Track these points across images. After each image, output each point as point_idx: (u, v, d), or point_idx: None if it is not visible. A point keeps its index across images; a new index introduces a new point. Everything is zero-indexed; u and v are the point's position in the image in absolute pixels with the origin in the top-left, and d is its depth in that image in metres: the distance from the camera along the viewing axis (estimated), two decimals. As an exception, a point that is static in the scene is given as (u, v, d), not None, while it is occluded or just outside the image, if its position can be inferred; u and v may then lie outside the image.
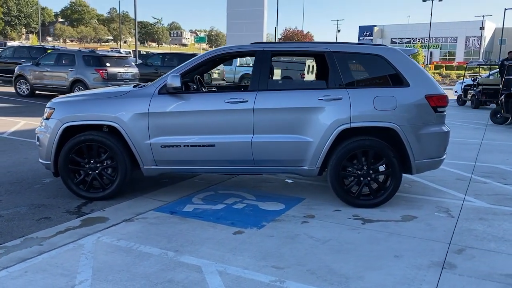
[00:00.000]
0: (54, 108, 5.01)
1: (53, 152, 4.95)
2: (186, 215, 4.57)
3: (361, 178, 4.89)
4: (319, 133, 4.79)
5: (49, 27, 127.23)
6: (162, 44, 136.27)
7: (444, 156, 5.09)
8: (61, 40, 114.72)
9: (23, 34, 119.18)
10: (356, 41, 52.17)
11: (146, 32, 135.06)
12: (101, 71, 14.03)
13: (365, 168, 4.87)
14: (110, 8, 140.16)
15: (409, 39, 74.65)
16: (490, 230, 4.33)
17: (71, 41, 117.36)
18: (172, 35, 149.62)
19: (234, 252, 3.71)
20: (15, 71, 15.62)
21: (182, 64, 5.05)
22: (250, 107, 4.80)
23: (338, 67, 4.91)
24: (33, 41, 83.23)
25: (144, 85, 5.18)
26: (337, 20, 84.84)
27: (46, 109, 5.14)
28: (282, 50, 5.30)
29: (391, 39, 76.28)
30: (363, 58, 5.09)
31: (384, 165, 4.88)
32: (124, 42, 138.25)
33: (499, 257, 3.73)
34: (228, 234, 4.10)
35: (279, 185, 5.81)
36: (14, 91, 15.70)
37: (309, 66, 20.45)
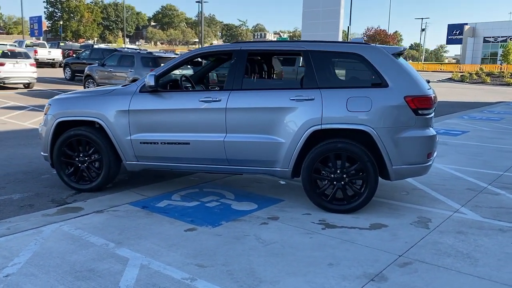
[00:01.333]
0: (50, 105, 5.43)
1: (49, 145, 5.36)
2: (155, 210, 4.72)
3: (334, 182, 4.70)
4: (290, 134, 4.69)
5: (142, 31, 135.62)
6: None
7: (430, 162, 4.72)
8: (152, 43, 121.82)
9: (119, 37, 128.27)
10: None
11: (231, 35, 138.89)
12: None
13: (338, 171, 4.68)
14: (198, 12, 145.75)
15: (505, 38, 68.88)
16: (459, 245, 3.96)
17: (161, 43, 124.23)
18: (255, 37, 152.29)
19: (171, 248, 3.78)
20: (85, 71, 16.97)
21: (164, 64, 5.21)
22: (223, 106, 4.83)
23: (313, 66, 4.76)
24: (118, 43, 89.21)
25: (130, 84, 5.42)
26: (421, 18, 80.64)
27: (46, 105, 5.59)
28: (259, 50, 5.24)
29: (484, 37, 70.89)
30: (340, 57, 4.89)
31: (358, 170, 4.65)
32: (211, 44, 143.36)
33: (446, 274, 3.41)
34: (180, 230, 4.18)
35: (268, 186, 5.75)
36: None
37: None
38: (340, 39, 30.19)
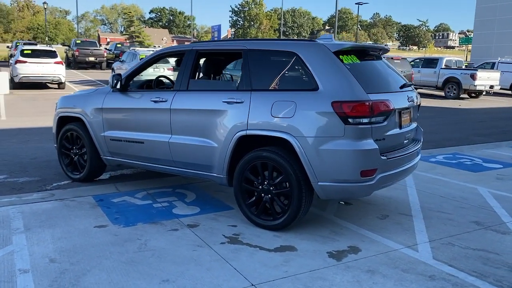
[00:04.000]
0: (57, 102, 6.11)
1: (54, 137, 6.05)
2: (102, 204, 4.92)
3: (262, 194, 4.24)
4: (221, 139, 4.40)
5: (317, 35, 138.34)
6: (424, 47, 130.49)
7: (369, 182, 3.88)
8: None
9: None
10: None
11: (407, 36, 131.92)
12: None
13: (265, 183, 4.20)
14: (373, 14, 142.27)
15: None
16: (346, 286, 3.19)
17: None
18: (437, 37, 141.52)
19: (58, 240, 3.92)
20: None
21: (133, 66, 5.40)
22: (168, 107, 4.79)
23: (249, 66, 4.37)
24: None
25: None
26: None
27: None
28: (208, 50, 4.96)
29: None
30: (277, 56, 4.35)
31: (283, 183, 4.10)
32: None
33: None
34: (89, 226, 4.29)
35: (242, 193, 5.45)
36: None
37: None
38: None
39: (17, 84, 17.09)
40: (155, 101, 4.90)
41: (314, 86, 3.94)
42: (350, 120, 3.78)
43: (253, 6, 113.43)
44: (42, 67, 16.93)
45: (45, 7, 43.80)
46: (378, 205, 5.05)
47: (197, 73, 5.24)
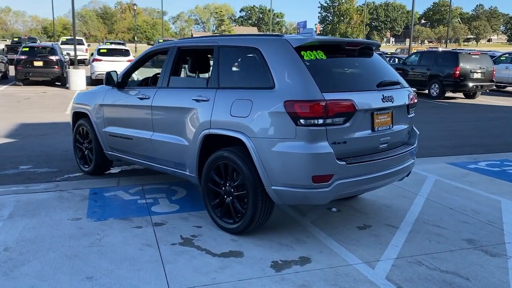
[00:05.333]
0: (74, 97, 6.43)
1: (72, 132, 6.40)
2: (93, 198, 5.06)
3: (225, 196, 4.09)
4: (191, 137, 4.32)
5: (410, 30, 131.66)
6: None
7: (323, 189, 3.55)
8: (419, 41, 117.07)
9: (386, 37, 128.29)
10: None
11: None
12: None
13: (227, 184, 4.05)
14: (476, 5, 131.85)
15: None
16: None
17: (429, 41, 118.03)
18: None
19: (26, 230, 4.10)
20: None
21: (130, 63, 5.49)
22: (150, 104, 4.81)
23: (219, 63, 4.22)
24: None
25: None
26: None
27: (76, 98, 6.62)
28: (187, 47, 4.82)
29: None
30: (242, 53, 4.14)
31: (241, 185, 3.91)
32: (488, 41, 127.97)
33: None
34: (64, 218, 4.43)
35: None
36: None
37: None
38: None
39: (93, 81, 18.39)
40: (140, 98, 4.95)
41: (271, 84, 3.70)
42: (302, 121, 3.49)
43: (343, 1, 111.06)
44: (116, 65, 18.01)
45: (135, 8, 46.76)
46: (368, 214, 4.64)
47: (179, 70, 5.19)
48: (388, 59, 25.24)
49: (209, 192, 4.22)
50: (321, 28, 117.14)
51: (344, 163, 3.59)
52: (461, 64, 16.40)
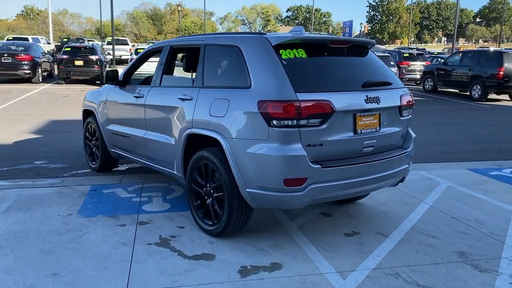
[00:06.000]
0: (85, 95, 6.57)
1: (82, 129, 6.55)
2: (90, 195, 5.11)
3: (206, 197, 4.02)
4: (176, 136, 4.30)
5: (465, 29, 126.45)
6: None
7: (296, 193, 3.40)
8: (473, 41, 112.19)
9: (438, 37, 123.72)
10: None
11: None
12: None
13: (208, 185, 3.98)
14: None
15: None
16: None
17: (484, 41, 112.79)
18: None
19: (15, 224, 4.20)
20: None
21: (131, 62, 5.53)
22: (143, 103, 4.83)
23: (204, 62, 4.16)
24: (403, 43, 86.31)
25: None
26: None
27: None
28: (178, 45, 4.75)
29: None
30: (224, 51, 4.04)
31: (219, 186, 3.83)
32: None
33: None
34: (56, 213, 4.50)
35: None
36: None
37: None
38: None
39: (131, 80, 18.92)
40: (135, 97, 4.98)
41: (248, 84, 3.59)
42: (274, 122, 3.36)
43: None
44: (153, 65, 18.44)
45: (179, 9, 47.69)
46: (360, 220, 4.43)
47: (171, 69, 5.15)
48: (431, 59, 24.30)
49: (192, 192, 4.17)
50: (369, 28, 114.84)
51: (319, 166, 3.42)
52: (505, 64, 15.51)
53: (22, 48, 18.12)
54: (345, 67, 3.90)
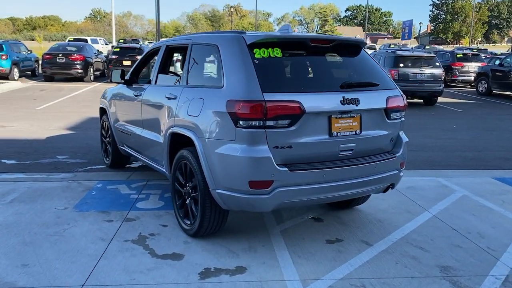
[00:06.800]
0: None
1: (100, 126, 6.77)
2: (94, 190, 5.28)
3: (185, 197, 4.01)
4: (162, 135, 4.33)
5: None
6: None
7: (261, 196, 3.30)
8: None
9: (508, 37, 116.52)
10: None
11: None
12: (393, 72, 13.78)
13: (187, 185, 3.96)
14: None
15: None
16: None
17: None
18: None
19: (12, 215, 4.40)
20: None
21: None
22: (140, 101, 4.90)
23: (189, 61, 4.15)
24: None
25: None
26: None
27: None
28: (172, 45, 4.72)
29: None
30: (205, 50, 3.99)
31: (195, 186, 3.80)
32: None
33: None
34: (53, 206, 4.67)
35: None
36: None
37: None
38: None
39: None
40: (135, 95, 5.07)
41: (222, 83, 3.54)
42: (241, 122, 3.28)
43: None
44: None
45: (231, 11, 48.03)
46: (349, 227, 4.24)
47: (166, 68, 5.16)
48: (489, 59, 22.90)
49: (175, 191, 4.17)
50: (432, 27, 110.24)
51: (286, 169, 3.30)
52: None
53: (76, 49, 19.08)
54: (324, 67, 3.74)
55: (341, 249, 3.76)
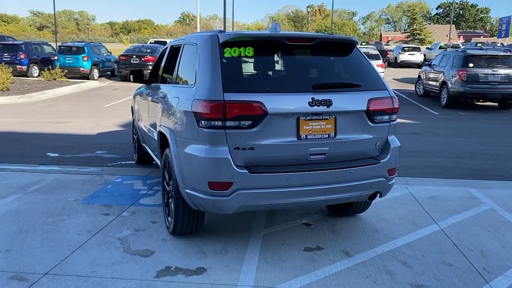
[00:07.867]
0: (136, 93, 7.08)
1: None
2: (110, 184, 5.52)
3: (169, 195, 4.06)
4: (156, 132, 4.42)
5: None
6: None
7: (222, 197, 3.23)
8: None
9: None
10: None
11: None
12: (461, 73, 12.79)
13: (170, 183, 4.01)
14: None
15: None
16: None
17: None
18: None
19: (26, 203, 4.76)
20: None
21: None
22: (149, 100, 5.05)
23: (180, 60, 4.20)
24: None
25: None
26: None
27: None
28: (175, 45, 4.74)
29: None
30: (191, 49, 3.95)
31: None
32: None
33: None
34: (65, 197, 4.98)
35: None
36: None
37: None
38: None
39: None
40: (147, 95, 5.23)
41: (194, 82, 3.53)
42: (202, 122, 3.25)
43: None
44: None
45: (314, 11, 47.45)
46: (339, 235, 4.01)
47: (170, 68, 5.21)
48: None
49: (163, 189, 4.24)
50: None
51: (245, 171, 3.20)
52: None
53: (149, 50, 20.11)
54: (299, 67, 3.57)
55: (315, 257, 3.57)
